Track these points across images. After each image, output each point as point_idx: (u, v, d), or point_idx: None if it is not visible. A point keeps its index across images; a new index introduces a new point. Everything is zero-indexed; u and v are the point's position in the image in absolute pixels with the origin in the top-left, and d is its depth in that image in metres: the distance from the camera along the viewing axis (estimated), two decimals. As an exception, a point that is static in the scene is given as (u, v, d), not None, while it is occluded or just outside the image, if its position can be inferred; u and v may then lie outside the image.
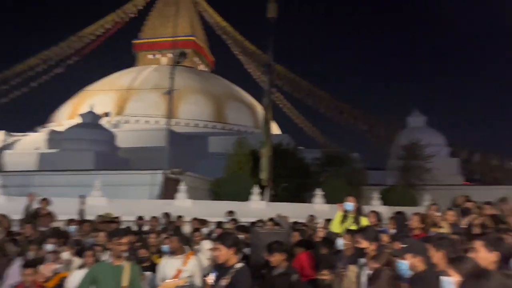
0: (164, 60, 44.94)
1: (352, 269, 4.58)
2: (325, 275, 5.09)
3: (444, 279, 2.78)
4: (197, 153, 28.07)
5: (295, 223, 8.78)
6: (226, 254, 4.00)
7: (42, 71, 40.58)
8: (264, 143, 13.87)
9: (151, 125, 35.32)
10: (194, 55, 46.17)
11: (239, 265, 4.03)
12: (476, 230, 5.48)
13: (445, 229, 6.44)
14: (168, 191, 13.83)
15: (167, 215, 9.28)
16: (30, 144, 29.62)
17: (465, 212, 6.70)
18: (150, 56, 45.59)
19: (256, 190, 14.13)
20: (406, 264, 3.55)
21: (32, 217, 7.91)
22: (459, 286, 2.30)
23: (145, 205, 9.30)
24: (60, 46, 41.64)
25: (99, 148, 21.70)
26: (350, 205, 6.35)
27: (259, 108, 42.46)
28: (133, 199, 12.49)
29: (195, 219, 9.08)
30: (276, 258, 4.89)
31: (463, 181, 27.44)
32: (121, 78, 40.69)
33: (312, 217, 9.36)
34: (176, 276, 5.54)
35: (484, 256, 3.23)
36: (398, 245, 4.17)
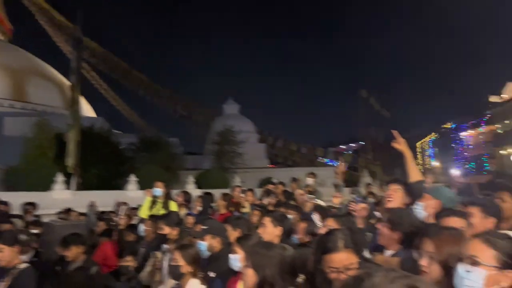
0: None
1: (156, 255, 4.51)
2: (128, 261, 4.90)
3: (231, 256, 2.95)
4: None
5: (103, 212, 8.24)
6: (9, 254, 3.47)
7: None
8: (71, 125, 12.49)
9: None
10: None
11: (23, 265, 3.55)
12: (270, 208, 6.11)
13: (246, 208, 7.01)
14: None
15: None
16: None
17: (268, 193, 7.46)
18: None
19: (60, 178, 12.65)
20: (205, 245, 3.66)
21: None
22: (243, 261, 2.46)
23: None
24: None
25: None
26: (158, 190, 6.29)
27: (68, 87, 38.50)
28: None
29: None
30: (73, 252, 4.45)
31: (269, 164, 30.78)
32: None
33: (120, 204, 8.95)
34: None
35: (270, 231, 3.57)
36: (200, 227, 4.29)
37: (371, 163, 33.12)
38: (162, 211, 5.93)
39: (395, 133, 3.67)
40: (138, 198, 12.44)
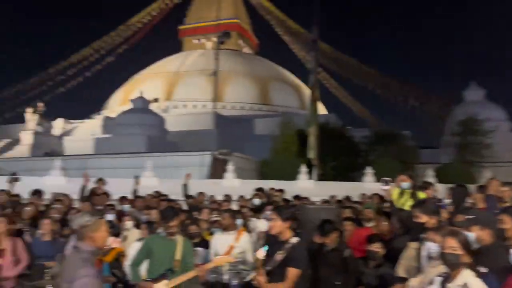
0: (208, 44, 45.25)
1: (413, 246, 4.35)
2: (377, 248, 4.92)
3: None
4: (243, 135, 28.19)
5: (339, 201, 8.57)
6: (280, 226, 3.90)
7: (95, 60, 42.29)
8: (311, 122, 13.59)
9: (198, 109, 35.97)
10: (239, 38, 46.09)
11: (295, 239, 3.89)
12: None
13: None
14: (216, 171, 14.01)
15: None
16: (87, 130, 31.17)
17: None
18: (195, 41, 46.08)
19: (303, 169, 13.96)
20: (473, 236, 3.28)
21: (89, 196, 8.26)
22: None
23: (194, 185, 9.45)
24: (110, 35, 43.06)
25: (149, 132, 22.39)
26: (406, 184, 6.00)
27: (305, 89, 41.86)
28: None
29: (241, 197, 9.13)
30: (331, 238, 4.81)
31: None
32: (168, 64, 41.52)
33: (364, 195, 9.09)
34: (228, 252, 5.56)
35: None
36: (462, 217, 3.88)
37: None
38: (410, 202, 5.70)
39: None
40: (374, 190, 12.47)
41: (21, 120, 31.72)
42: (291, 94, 40.12)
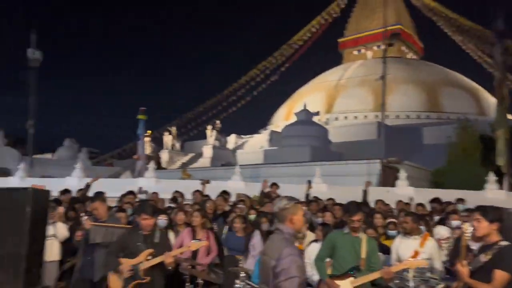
0: (369, 54, 44.29)
1: None
2: None
3: None
4: (410, 146, 26.43)
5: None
6: (486, 227, 3.53)
7: (261, 80, 45.69)
8: (499, 124, 11.81)
9: (359, 120, 35.31)
10: (401, 44, 43.84)
11: (504, 243, 3.49)
12: None
13: None
14: (386, 179, 13.40)
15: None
16: (255, 144, 33.77)
17: None
18: (355, 52, 45.67)
19: (492, 178, 12.15)
20: None
21: (266, 197, 8.81)
22: None
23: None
24: (274, 56, 46.02)
25: (314, 143, 22.90)
26: None
27: (483, 93, 37.05)
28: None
29: (419, 204, 8.47)
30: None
31: None
32: (328, 77, 42.08)
33: None
34: (413, 257, 5.17)
35: None
36: None
37: None
38: None
39: None
40: None
41: (203, 136, 36.31)
42: (466, 99, 36.00)
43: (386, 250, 6.11)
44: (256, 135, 37.73)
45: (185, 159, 34.02)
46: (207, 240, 5.83)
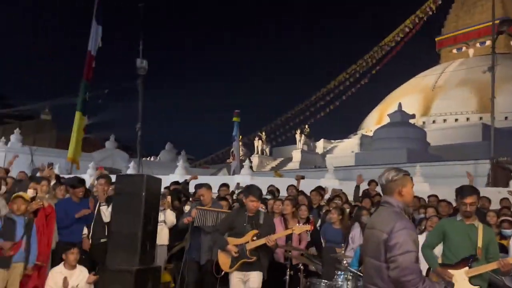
0: (471, 52, 40.90)
1: None
2: None
3: None
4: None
5: None
6: None
7: (350, 84, 44.61)
8: None
9: (460, 123, 32.69)
10: (509, 39, 39.67)
11: None
12: None
13: None
14: (496, 180, 12.20)
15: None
16: (345, 148, 33.03)
17: None
18: (455, 51, 42.51)
19: None
20: None
21: (364, 196, 8.63)
22: None
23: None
24: (364, 58, 44.72)
25: (409, 145, 21.71)
26: None
27: None
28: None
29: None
30: None
31: None
32: (425, 79, 39.72)
33: None
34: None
35: None
36: None
37: None
38: None
39: None
40: None
41: (291, 142, 36.57)
42: None
43: (502, 249, 5.63)
44: (346, 140, 36.92)
45: (275, 163, 34.47)
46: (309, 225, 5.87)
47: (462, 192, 4.12)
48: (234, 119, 16.01)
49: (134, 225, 5.84)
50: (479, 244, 3.98)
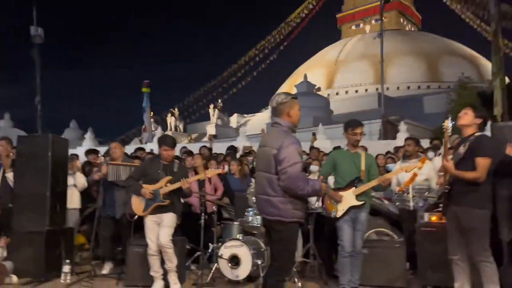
0: (368, 28, 44.18)
1: None
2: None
3: None
4: (411, 116, 26.72)
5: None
6: (471, 119, 3.82)
7: (259, 60, 45.60)
8: (495, 73, 12.06)
9: (360, 94, 35.49)
10: (400, 16, 43.70)
11: (479, 133, 3.81)
12: None
13: None
14: (387, 134, 13.72)
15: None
16: (258, 121, 34.01)
17: None
18: (354, 27, 45.57)
19: (487, 127, 12.39)
20: None
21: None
22: None
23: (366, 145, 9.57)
24: (272, 34, 45.87)
25: (316, 113, 23.16)
26: None
27: (482, 60, 37.06)
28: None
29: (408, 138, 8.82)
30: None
31: None
32: (328, 53, 42.12)
33: None
34: (412, 179, 5.51)
35: None
36: None
37: None
38: None
39: None
40: None
41: (205, 118, 36.61)
42: (466, 67, 36.01)
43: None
44: (258, 114, 38.00)
45: (189, 139, 34.40)
46: (210, 180, 6.19)
47: (352, 124, 4.70)
48: (144, 89, 15.64)
49: (42, 186, 5.68)
50: (362, 167, 4.60)
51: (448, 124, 3.90)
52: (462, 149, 3.85)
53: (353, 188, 4.55)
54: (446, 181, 4.00)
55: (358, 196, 4.51)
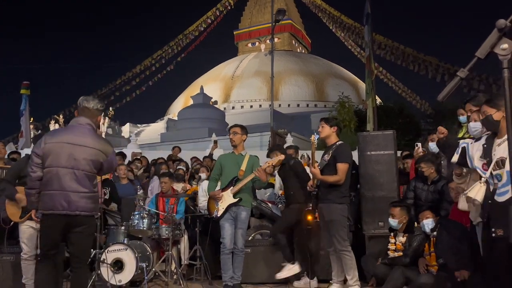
0: (263, 46, 46.33)
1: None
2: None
3: None
4: (299, 131, 28.62)
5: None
6: (328, 131, 4.56)
7: (156, 70, 44.64)
8: (368, 94, 13.70)
9: (255, 109, 36.92)
10: (292, 38, 46.71)
11: (340, 142, 4.54)
12: None
13: None
14: (274, 144, 14.57)
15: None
16: (153, 132, 33.21)
17: None
18: (250, 45, 47.39)
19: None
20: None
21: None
22: None
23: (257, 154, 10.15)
24: (169, 45, 45.37)
25: (211, 124, 23.49)
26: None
27: (360, 83, 41.37)
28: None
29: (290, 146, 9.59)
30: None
31: None
32: (225, 68, 43.06)
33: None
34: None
35: None
36: None
37: None
38: None
39: None
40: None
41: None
42: (348, 88, 39.76)
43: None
44: (152, 124, 37.10)
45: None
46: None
47: (231, 126, 5.16)
48: (22, 91, 14.24)
49: None
50: (243, 167, 4.86)
51: (314, 138, 4.62)
52: (326, 157, 4.53)
53: (232, 187, 4.80)
54: (314, 184, 4.62)
55: (235, 194, 4.76)
